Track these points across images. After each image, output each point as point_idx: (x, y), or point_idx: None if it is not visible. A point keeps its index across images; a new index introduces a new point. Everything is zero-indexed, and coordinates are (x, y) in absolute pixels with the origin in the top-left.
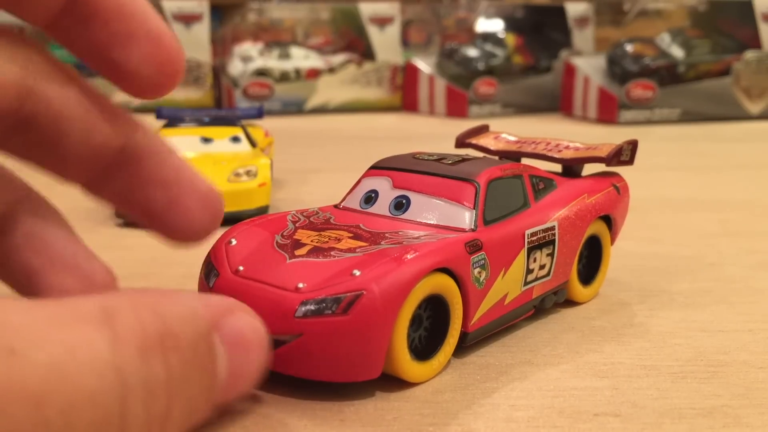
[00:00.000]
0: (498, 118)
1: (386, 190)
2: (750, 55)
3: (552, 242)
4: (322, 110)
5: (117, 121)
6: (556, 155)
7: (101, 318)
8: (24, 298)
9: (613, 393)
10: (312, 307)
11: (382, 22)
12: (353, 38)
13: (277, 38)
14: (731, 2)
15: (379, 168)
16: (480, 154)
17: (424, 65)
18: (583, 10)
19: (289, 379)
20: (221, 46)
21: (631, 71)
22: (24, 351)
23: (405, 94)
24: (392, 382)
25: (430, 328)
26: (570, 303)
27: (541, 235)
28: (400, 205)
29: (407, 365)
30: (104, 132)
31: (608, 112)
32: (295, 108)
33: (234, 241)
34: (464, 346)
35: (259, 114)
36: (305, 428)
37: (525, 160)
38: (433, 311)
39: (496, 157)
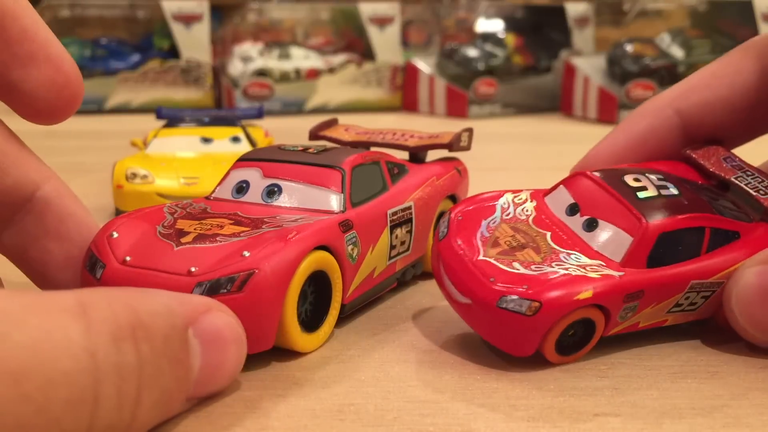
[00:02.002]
0: (498, 118)
1: (257, 179)
2: None
3: (410, 220)
4: (322, 110)
5: (30, 168)
6: (404, 143)
7: (77, 309)
8: (6, 288)
9: (613, 393)
10: (207, 288)
11: (382, 22)
12: (353, 38)
13: (277, 38)
14: (731, 2)
15: (247, 160)
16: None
17: (424, 65)
18: (583, 10)
19: (289, 378)
20: (221, 46)
21: (631, 71)
22: (4, 333)
23: (405, 94)
24: (392, 382)
25: (314, 302)
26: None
27: (401, 214)
28: (272, 192)
29: (297, 337)
30: (16, 176)
31: (608, 112)
32: (295, 108)
33: (116, 234)
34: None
35: (259, 114)
36: (305, 428)
37: (375, 149)
38: (316, 286)
39: (349, 147)
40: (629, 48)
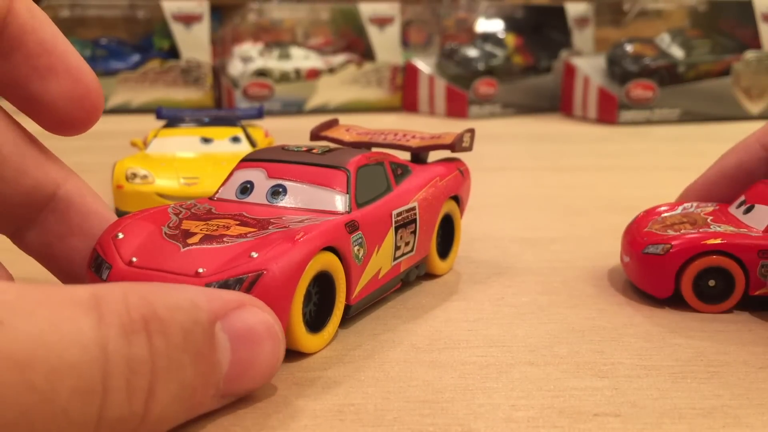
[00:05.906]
0: (498, 118)
1: (262, 180)
2: (750, 55)
3: (414, 221)
4: (322, 110)
5: (50, 168)
6: (406, 144)
7: (90, 302)
8: (21, 282)
9: (613, 393)
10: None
11: (382, 22)
12: (353, 38)
13: (277, 39)
14: (731, 2)
15: (251, 160)
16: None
17: (424, 65)
18: (583, 10)
19: (289, 378)
20: (221, 46)
21: (631, 71)
22: (11, 322)
23: (405, 94)
24: (392, 382)
25: (318, 303)
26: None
27: (405, 214)
28: (277, 193)
29: (303, 337)
30: (37, 176)
31: (608, 112)
32: (295, 108)
33: (121, 235)
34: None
35: (259, 114)
36: (305, 428)
37: (378, 150)
38: (320, 287)
39: (352, 148)
40: (629, 48)
